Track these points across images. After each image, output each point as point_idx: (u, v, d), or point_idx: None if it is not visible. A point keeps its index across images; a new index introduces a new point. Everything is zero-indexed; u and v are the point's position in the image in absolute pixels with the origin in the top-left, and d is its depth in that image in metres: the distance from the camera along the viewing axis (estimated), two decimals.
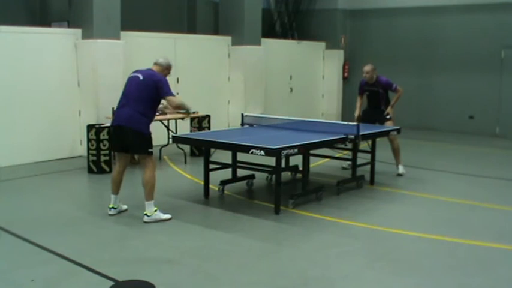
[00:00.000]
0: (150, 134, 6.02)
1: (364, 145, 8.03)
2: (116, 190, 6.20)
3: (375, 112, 8.53)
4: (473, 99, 13.07)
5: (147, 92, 5.90)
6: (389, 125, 8.33)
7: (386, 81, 8.42)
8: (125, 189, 7.27)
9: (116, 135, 6.16)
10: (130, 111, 5.91)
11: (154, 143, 9.20)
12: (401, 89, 8.43)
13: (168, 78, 6.14)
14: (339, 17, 14.63)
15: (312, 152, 7.14)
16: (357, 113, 8.69)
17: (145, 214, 5.94)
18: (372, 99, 8.59)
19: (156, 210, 5.97)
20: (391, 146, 8.42)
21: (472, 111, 13.13)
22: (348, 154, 8.42)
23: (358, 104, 8.77)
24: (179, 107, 6.27)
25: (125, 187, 7.64)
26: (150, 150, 6.03)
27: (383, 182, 7.92)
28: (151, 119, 6.06)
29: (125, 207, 6.34)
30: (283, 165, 7.04)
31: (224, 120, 11.89)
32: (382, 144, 8.61)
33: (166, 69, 6.17)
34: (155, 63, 6.15)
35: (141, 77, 5.96)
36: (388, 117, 8.43)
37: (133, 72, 6.14)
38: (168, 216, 6.01)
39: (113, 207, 6.20)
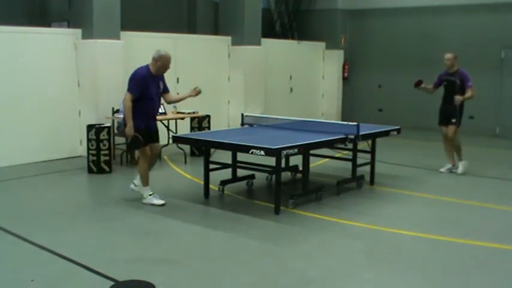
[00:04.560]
0: (137, 128, 6.33)
1: (364, 145, 8.03)
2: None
3: (446, 111, 8.46)
4: (473, 99, 13.02)
5: None
6: (450, 130, 8.39)
7: (465, 74, 8.37)
8: (126, 189, 7.27)
9: None
10: None
11: None
12: (475, 91, 8.40)
13: (167, 76, 6.50)
14: (339, 17, 14.63)
15: (312, 152, 7.14)
16: (423, 85, 8.58)
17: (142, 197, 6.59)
18: (448, 90, 8.49)
19: (150, 195, 6.56)
20: (452, 144, 8.55)
21: (472, 111, 13.09)
22: (348, 154, 8.42)
23: (429, 85, 8.67)
24: (124, 110, 6.46)
25: (126, 187, 7.63)
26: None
27: (383, 182, 7.92)
28: (139, 115, 6.34)
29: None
30: (283, 165, 7.04)
31: (224, 120, 11.89)
32: (382, 144, 8.62)
33: (158, 60, 6.36)
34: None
35: None
36: (453, 121, 8.38)
37: None
38: (161, 201, 6.49)
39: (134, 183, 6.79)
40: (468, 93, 8.32)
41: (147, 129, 6.46)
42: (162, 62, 6.37)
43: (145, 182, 6.56)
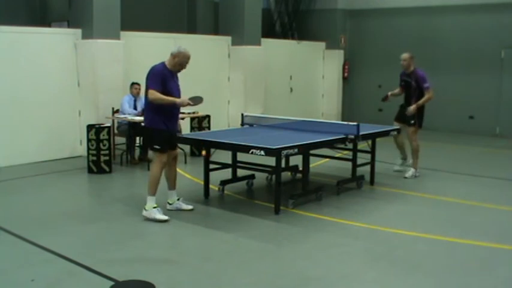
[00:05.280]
0: (157, 129, 5.95)
1: (364, 145, 8.03)
2: (170, 186, 6.38)
3: (405, 111, 8.20)
4: (473, 99, 13.07)
5: (146, 90, 5.97)
6: (410, 132, 8.16)
7: (421, 75, 8.07)
8: (126, 189, 7.27)
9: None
10: (145, 110, 6.18)
11: None
12: (432, 93, 8.07)
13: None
14: (339, 17, 14.63)
15: (312, 152, 7.14)
16: (389, 93, 8.41)
17: (144, 208, 6.01)
18: (406, 91, 8.29)
19: (155, 207, 5.97)
20: (410, 146, 8.34)
21: (472, 111, 13.13)
22: (348, 154, 8.41)
23: (395, 90, 8.48)
24: (159, 101, 5.88)
25: (126, 187, 7.65)
26: (156, 147, 5.97)
27: (383, 182, 7.92)
28: (158, 114, 5.93)
29: (185, 207, 6.40)
30: (283, 165, 7.04)
31: (224, 120, 11.89)
32: (382, 144, 8.61)
33: (176, 56, 6.00)
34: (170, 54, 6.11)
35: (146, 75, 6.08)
36: (412, 122, 8.13)
37: None
38: (164, 217, 5.95)
39: (168, 203, 6.36)
40: (424, 97, 8.03)
41: (169, 133, 6.02)
42: (180, 59, 6.03)
43: (152, 190, 5.99)
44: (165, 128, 5.96)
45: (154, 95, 5.83)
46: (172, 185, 6.36)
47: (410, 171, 8.29)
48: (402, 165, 8.63)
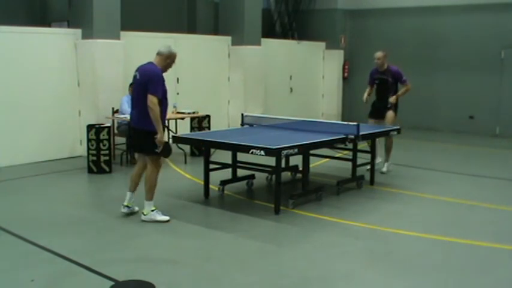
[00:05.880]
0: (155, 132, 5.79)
1: (364, 145, 8.03)
2: (132, 188, 6.14)
3: (383, 106, 8.37)
4: (473, 99, 13.06)
5: (144, 91, 5.70)
6: (389, 116, 8.28)
7: (397, 71, 8.33)
8: (126, 189, 7.25)
9: (132, 136, 6.26)
10: (136, 112, 5.89)
11: None
12: (410, 85, 8.36)
13: (166, 75, 5.94)
14: (339, 17, 14.63)
15: (312, 152, 7.14)
16: (365, 96, 8.54)
17: (142, 213, 5.95)
18: (380, 88, 8.44)
19: (153, 210, 5.93)
20: (384, 141, 8.43)
21: (472, 111, 13.13)
22: (348, 154, 8.41)
23: (367, 91, 8.62)
24: (153, 116, 5.68)
25: (126, 187, 7.63)
26: (156, 151, 5.83)
27: (383, 182, 7.92)
28: (161, 118, 5.78)
29: (136, 208, 6.20)
30: (283, 165, 7.05)
31: (224, 120, 11.89)
32: (382, 144, 8.62)
33: (168, 57, 5.86)
34: (157, 54, 5.90)
35: (138, 76, 5.87)
36: (389, 106, 8.27)
37: (136, 70, 5.95)
38: (165, 218, 5.94)
39: (126, 206, 6.10)
40: (402, 89, 8.34)
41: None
42: (172, 59, 5.88)
43: (150, 195, 5.93)
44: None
45: (156, 106, 5.64)
46: (135, 187, 6.13)
47: (386, 165, 8.39)
48: (388, 167, 8.56)
